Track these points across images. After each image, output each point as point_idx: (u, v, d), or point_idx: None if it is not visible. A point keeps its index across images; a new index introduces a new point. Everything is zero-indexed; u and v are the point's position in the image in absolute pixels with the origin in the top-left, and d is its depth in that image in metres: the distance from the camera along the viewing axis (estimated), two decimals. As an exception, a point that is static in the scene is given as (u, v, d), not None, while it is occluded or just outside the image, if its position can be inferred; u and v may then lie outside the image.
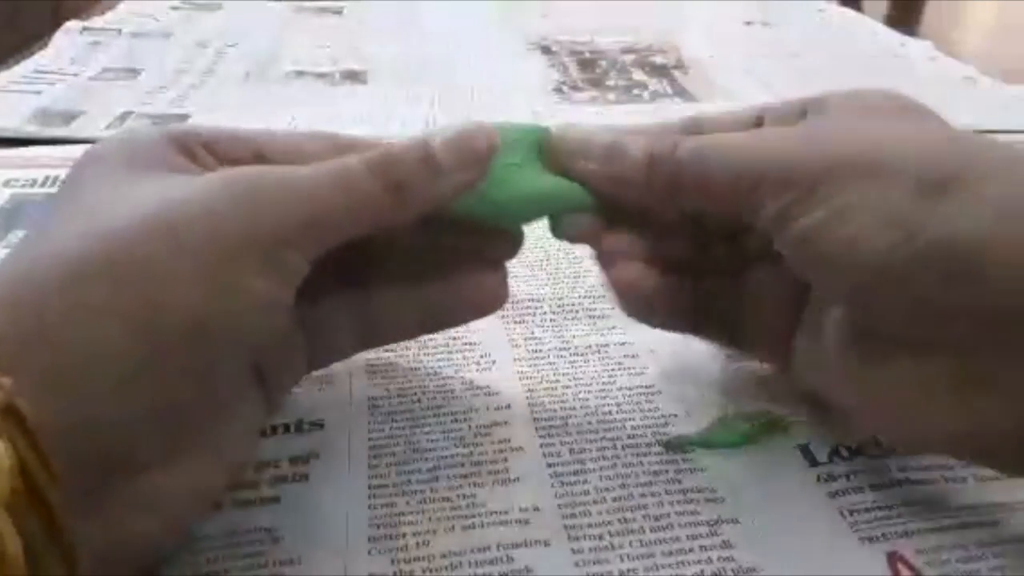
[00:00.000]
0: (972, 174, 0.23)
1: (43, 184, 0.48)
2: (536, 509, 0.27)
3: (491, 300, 0.31)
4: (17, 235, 0.43)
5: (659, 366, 0.34)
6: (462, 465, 0.29)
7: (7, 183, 0.48)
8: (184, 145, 0.26)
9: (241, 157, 0.27)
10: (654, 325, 0.31)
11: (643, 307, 0.30)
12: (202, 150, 0.26)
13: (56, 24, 0.75)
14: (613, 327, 0.36)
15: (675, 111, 0.62)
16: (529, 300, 0.38)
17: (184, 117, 0.59)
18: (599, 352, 0.35)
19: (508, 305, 0.37)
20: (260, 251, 0.23)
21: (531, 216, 0.30)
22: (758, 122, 0.30)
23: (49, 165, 0.50)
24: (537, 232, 0.30)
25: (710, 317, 0.31)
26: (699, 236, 0.31)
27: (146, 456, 0.22)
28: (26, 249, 0.23)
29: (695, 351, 0.33)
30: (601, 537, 0.26)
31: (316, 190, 0.24)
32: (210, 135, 0.27)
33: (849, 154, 0.25)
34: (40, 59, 0.68)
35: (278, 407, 0.28)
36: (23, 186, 0.48)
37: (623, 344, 0.35)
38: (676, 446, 0.30)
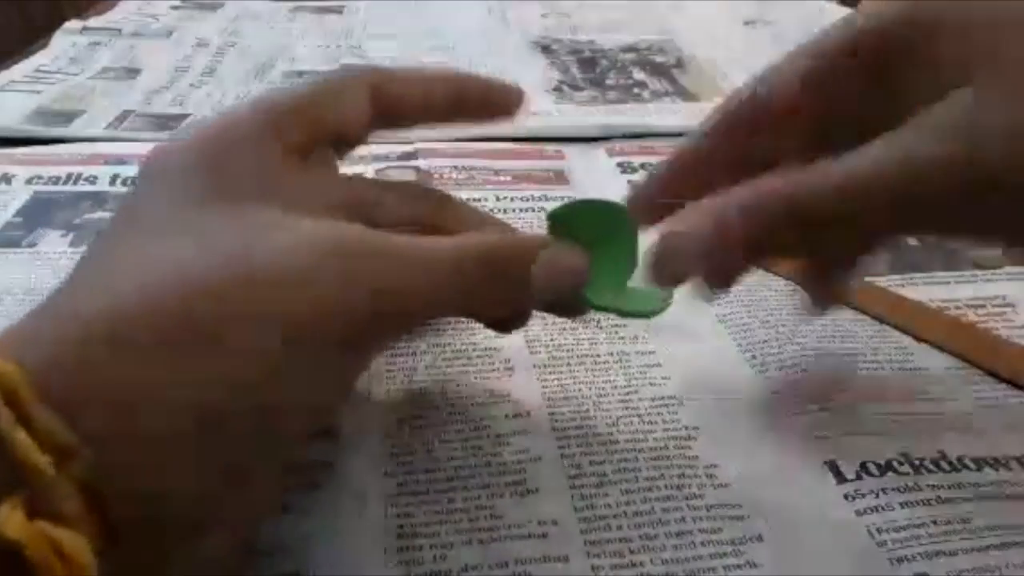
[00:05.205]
0: None
1: (66, 182, 0.48)
2: (555, 523, 0.26)
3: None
4: (40, 234, 0.43)
5: (683, 377, 0.33)
6: (480, 475, 0.28)
7: (30, 180, 0.48)
8: (291, 135, 0.25)
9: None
10: None
11: None
12: (308, 138, 0.25)
13: (56, 24, 0.75)
14: (635, 335, 0.35)
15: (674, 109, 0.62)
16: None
17: (184, 117, 0.58)
18: (621, 360, 0.34)
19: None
20: (347, 335, 0.22)
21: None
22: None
23: (71, 163, 0.50)
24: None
25: None
26: None
27: (198, 527, 0.20)
28: (84, 283, 0.21)
29: (720, 361, 0.32)
30: (622, 554, 0.25)
31: (428, 289, 0.23)
32: (316, 116, 0.25)
33: None
34: (40, 59, 0.68)
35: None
36: (46, 184, 0.48)
37: (645, 353, 0.34)
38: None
